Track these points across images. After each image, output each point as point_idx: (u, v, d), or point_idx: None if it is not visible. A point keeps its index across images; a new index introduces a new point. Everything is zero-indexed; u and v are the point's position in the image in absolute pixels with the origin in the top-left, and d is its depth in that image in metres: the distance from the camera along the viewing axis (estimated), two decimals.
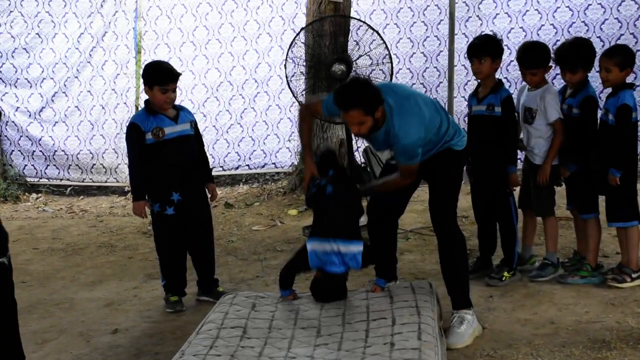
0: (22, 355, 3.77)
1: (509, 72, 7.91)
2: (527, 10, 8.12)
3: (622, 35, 7.79)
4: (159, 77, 5.06)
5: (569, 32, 7.90)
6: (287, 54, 6.46)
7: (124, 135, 5.30)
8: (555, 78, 6.63)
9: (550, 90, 5.09)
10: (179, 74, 5.16)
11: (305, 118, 4.69)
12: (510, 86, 7.47)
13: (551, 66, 5.15)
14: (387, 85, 4.52)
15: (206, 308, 4.75)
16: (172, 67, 5.27)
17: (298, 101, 6.69)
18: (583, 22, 7.91)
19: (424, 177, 4.49)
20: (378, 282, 4.45)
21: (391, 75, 6.22)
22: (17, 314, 3.78)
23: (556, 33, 7.97)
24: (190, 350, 3.70)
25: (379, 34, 6.22)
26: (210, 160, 8.98)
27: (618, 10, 7.83)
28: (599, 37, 7.77)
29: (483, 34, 5.83)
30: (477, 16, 8.22)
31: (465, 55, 5.42)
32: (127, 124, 5.22)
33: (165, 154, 5.07)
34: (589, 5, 7.90)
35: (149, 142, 5.04)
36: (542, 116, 5.03)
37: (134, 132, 5.08)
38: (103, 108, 9.35)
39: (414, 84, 8.45)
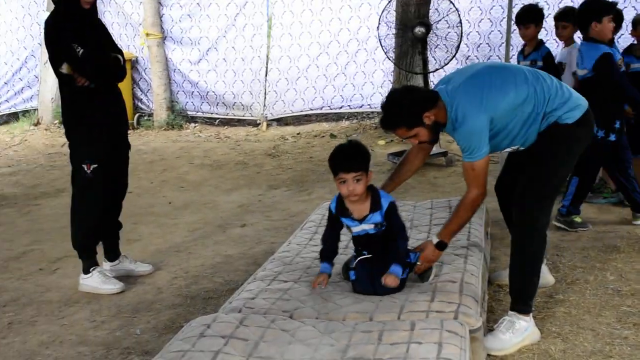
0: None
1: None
2: None
3: None
4: (607, 5, 4.02)
5: None
6: (380, 19, 6.36)
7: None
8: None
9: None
10: None
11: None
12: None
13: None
14: (460, 71, 2.96)
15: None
16: None
17: (387, 56, 6.60)
18: None
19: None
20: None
21: (461, 35, 6.05)
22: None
23: None
24: (295, 240, 3.82)
25: (453, 4, 6.04)
26: (320, 101, 9.10)
27: None
28: None
29: (527, 4, 5.50)
30: None
31: None
32: None
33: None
34: None
35: None
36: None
37: None
38: (243, 60, 9.44)
39: (480, 44, 8.14)
